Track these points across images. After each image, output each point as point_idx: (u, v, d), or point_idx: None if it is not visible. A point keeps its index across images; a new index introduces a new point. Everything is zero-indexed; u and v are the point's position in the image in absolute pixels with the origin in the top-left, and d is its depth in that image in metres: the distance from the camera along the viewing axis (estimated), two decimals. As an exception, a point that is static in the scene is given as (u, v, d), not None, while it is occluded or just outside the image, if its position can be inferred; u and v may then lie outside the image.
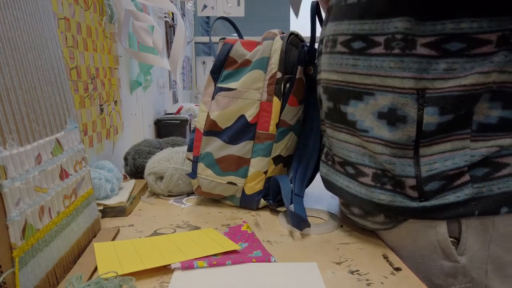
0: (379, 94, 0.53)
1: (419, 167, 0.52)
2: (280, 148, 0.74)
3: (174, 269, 0.52)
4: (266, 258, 0.55)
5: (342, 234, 0.65)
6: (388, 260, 0.56)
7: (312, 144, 0.75)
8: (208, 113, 0.75)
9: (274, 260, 0.55)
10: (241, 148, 0.73)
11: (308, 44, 0.74)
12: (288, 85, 0.72)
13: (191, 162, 0.78)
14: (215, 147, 0.74)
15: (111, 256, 0.55)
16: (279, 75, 0.71)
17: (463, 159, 0.50)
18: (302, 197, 0.71)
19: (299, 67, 0.72)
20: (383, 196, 0.55)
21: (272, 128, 0.72)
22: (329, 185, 0.66)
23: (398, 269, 0.53)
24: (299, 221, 0.64)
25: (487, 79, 0.48)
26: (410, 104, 0.51)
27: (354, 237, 0.64)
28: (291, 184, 0.73)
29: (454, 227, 0.53)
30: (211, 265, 0.53)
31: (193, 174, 0.77)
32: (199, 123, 0.76)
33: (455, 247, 0.53)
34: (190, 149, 0.78)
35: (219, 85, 0.75)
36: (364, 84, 0.55)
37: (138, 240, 0.61)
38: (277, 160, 0.74)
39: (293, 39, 0.72)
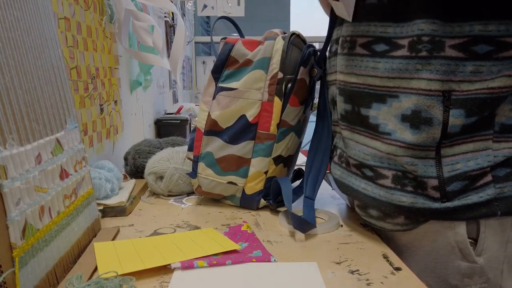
0: (403, 97, 0.53)
1: (441, 168, 0.52)
2: (280, 149, 0.74)
3: (174, 268, 0.52)
4: (266, 258, 0.55)
5: (342, 234, 0.65)
6: (388, 260, 0.56)
7: (324, 145, 0.73)
8: (209, 112, 0.75)
9: (274, 260, 0.55)
10: (242, 148, 0.73)
11: (313, 44, 0.74)
12: (289, 85, 0.72)
13: (191, 162, 0.78)
14: (215, 146, 0.74)
15: (111, 256, 0.55)
16: (280, 75, 0.71)
17: (486, 159, 0.51)
18: (314, 200, 0.70)
19: (302, 68, 0.72)
20: (404, 198, 0.55)
21: (273, 128, 0.72)
22: (344, 188, 0.65)
23: (398, 269, 0.53)
24: (303, 224, 0.63)
25: None
26: (436, 106, 0.50)
27: (354, 237, 0.64)
28: (304, 186, 0.72)
29: (472, 228, 0.53)
30: (211, 265, 0.53)
31: (193, 174, 0.77)
32: (200, 122, 0.76)
33: (473, 247, 0.53)
34: (190, 149, 0.78)
35: (220, 84, 0.75)
36: (387, 87, 0.54)
37: (138, 240, 0.61)
38: (277, 160, 0.74)
39: (295, 39, 0.72)
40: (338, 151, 0.68)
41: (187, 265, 0.52)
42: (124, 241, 0.60)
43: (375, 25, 0.55)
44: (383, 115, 0.56)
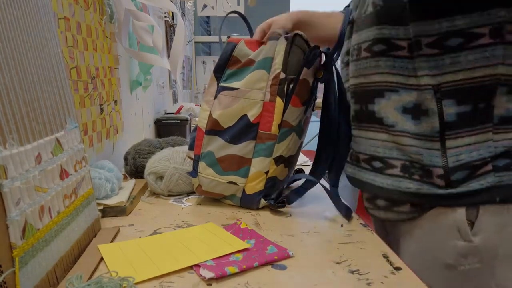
0: (403, 92, 0.59)
1: (446, 158, 0.57)
2: (281, 149, 0.74)
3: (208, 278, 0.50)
4: (284, 253, 0.56)
5: (342, 234, 0.65)
6: (388, 260, 0.56)
7: (344, 137, 0.75)
8: (210, 112, 0.75)
9: (292, 254, 0.56)
10: (243, 148, 0.73)
11: (318, 46, 0.73)
12: (291, 85, 0.72)
13: (192, 161, 0.78)
14: (216, 146, 0.74)
15: (121, 259, 0.54)
16: (282, 75, 0.71)
17: (487, 150, 0.55)
18: (337, 187, 0.75)
19: (304, 68, 0.72)
20: (411, 185, 0.60)
21: (274, 129, 0.72)
22: (356, 182, 0.71)
23: (398, 269, 0.53)
24: (348, 211, 0.70)
25: (494, 71, 0.54)
26: (430, 99, 0.57)
27: (354, 237, 0.64)
28: (325, 175, 0.76)
29: (472, 211, 0.57)
30: (241, 270, 0.52)
31: (193, 173, 0.77)
32: (201, 122, 0.76)
33: (470, 227, 0.57)
34: (191, 148, 0.78)
35: (222, 84, 0.75)
36: (386, 82, 0.61)
37: (142, 240, 0.61)
38: (278, 160, 0.74)
39: (298, 39, 0.72)
40: (350, 151, 0.73)
41: (221, 274, 0.50)
42: (129, 242, 0.60)
43: (373, 29, 0.62)
44: (383, 108, 0.62)
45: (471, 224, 0.57)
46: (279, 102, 0.71)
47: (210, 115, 0.75)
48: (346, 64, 0.73)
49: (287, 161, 0.77)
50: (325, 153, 0.76)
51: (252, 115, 0.72)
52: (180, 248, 0.58)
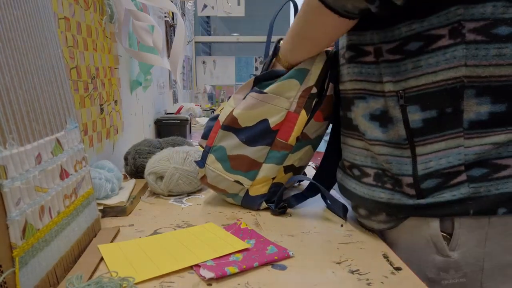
0: (371, 99, 0.58)
1: (416, 166, 0.54)
2: (294, 159, 0.74)
3: (208, 278, 0.49)
4: (284, 253, 0.56)
5: (342, 234, 0.65)
6: (388, 260, 0.56)
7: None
8: (233, 109, 0.73)
9: (292, 254, 0.56)
10: (257, 152, 0.72)
11: None
12: (316, 100, 0.71)
13: (202, 151, 0.76)
14: (230, 143, 0.73)
15: (121, 259, 0.54)
16: (314, 90, 0.70)
17: (457, 157, 0.52)
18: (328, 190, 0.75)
19: (331, 84, 0.71)
20: (382, 195, 0.58)
21: (292, 139, 0.71)
22: (342, 189, 0.69)
23: (398, 269, 0.53)
24: (345, 210, 0.71)
25: (456, 73, 0.50)
26: (393, 106, 0.55)
27: (354, 237, 0.64)
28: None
29: (448, 224, 0.54)
30: (241, 270, 0.52)
31: (201, 163, 0.76)
32: (223, 115, 0.74)
33: (447, 242, 0.54)
34: (205, 137, 0.77)
35: (256, 87, 0.73)
36: (355, 89, 0.61)
37: (143, 240, 0.61)
38: (288, 169, 0.74)
39: (334, 56, 0.70)
40: (342, 157, 0.71)
41: (221, 274, 0.50)
42: (129, 242, 0.60)
43: (345, 35, 0.62)
44: (354, 116, 0.62)
45: (449, 236, 0.54)
46: (303, 115, 0.70)
47: (231, 112, 0.73)
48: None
49: (296, 170, 0.77)
50: (332, 165, 0.74)
51: (273, 121, 0.71)
52: (180, 248, 0.58)
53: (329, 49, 0.72)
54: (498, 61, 0.49)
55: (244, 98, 0.73)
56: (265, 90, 0.71)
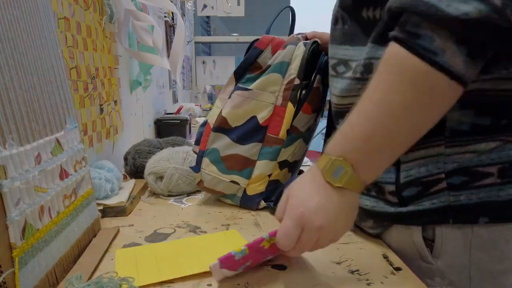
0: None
1: (398, 173, 0.54)
2: (287, 154, 0.74)
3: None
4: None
5: (342, 234, 0.65)
6: (388, 260, 0.56)
7: None
8: (221, 110, 0.74)
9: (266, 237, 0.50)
10: (249, 149, 0.73)
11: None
12: (304, 92, 0.71)
13: (196, 157, 0.77)
14: (222, 144, 0.74)
15: (130, 264, 0.54)
16: (297, 81, 0.70)
17: (436, 166, 0.52)
18: None
19: (318, 76, 0.71)
20: (367, 202, 0.58)
21: (282, 133, 0.72)
22: None
23: (398, 269, 0.53)
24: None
25: None
26: None
27: (354, 237, 0.64)
28: None
29: (431, 231, 0.54)
30: (248, 262, 0.50)
31: (196, 168, 0.77)
32: (211, 118, 0.76)
33: (430, 249, 0.54)
34: (197, 143, 0.78)
35: (239, 84, 0.74)
36: (342, 105, 0.59)
37: (161, 245, 0.60)
38: (283, 165, 0.74)
39: (316, 47, 0.71)
40: None
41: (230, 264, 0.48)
42: (145, 247, 0.59)
43: (336, 48, 0.60)
44: None
45: (433, 243, 0.53)
46: (290, 108, 0.71)
47: (220, 112, 0.74)
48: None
49: (292, 166, 0.77)
50: None
51: (261, 117, 0.72)
52: (193, 255, 0.56)
53: (307, 41, 0.72)
54: (483, 77, 0.48)
55: (230, 97, 0.74)
56: (249, 87, 0.72)
